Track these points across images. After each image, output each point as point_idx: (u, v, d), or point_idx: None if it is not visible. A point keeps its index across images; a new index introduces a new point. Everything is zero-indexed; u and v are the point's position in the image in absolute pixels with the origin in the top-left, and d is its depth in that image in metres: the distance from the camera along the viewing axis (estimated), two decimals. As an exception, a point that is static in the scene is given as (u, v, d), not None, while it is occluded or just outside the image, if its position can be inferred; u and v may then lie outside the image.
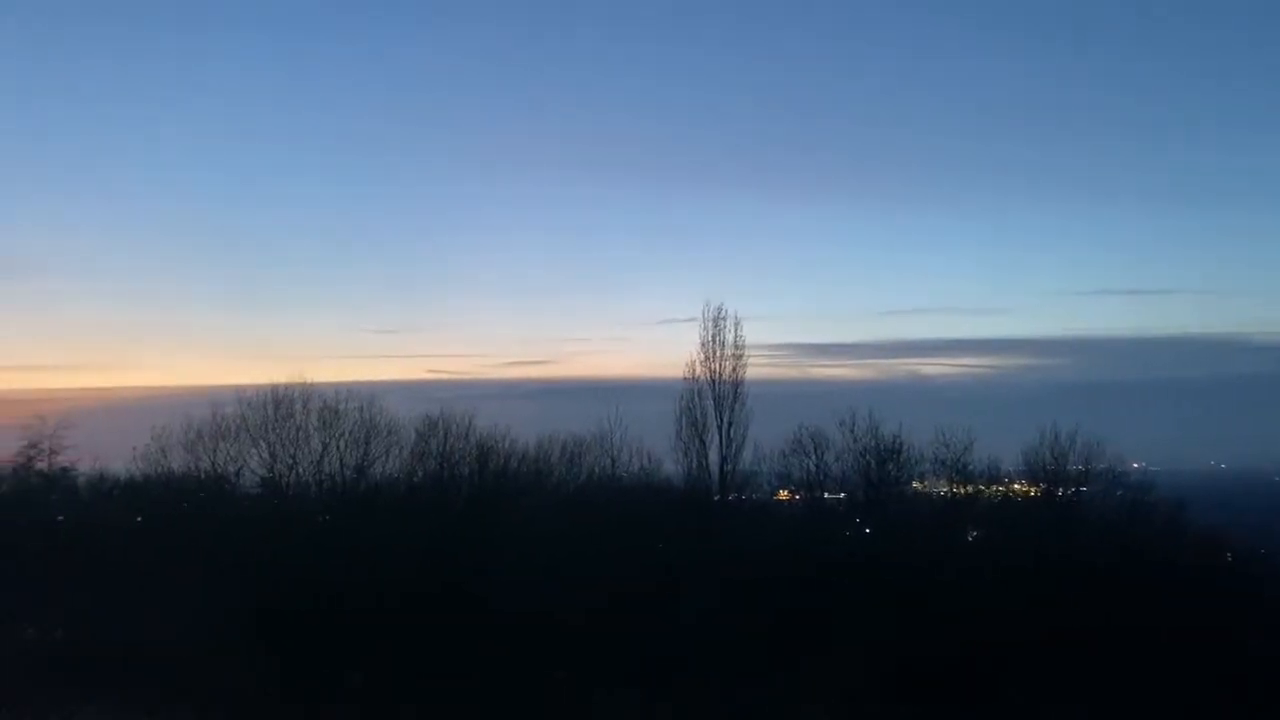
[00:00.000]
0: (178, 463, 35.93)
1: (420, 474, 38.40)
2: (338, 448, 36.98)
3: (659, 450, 39.67)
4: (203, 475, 36.00)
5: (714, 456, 37.89)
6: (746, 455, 38.28)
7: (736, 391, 38.36)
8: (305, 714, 29.48)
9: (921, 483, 38.90)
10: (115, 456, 37.92)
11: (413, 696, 29.20)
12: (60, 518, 35.92)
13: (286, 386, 36.93)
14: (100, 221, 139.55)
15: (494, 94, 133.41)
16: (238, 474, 36.39)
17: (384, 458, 37.80)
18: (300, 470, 36.66)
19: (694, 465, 37.92)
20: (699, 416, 38.04)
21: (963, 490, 37.68)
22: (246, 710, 28.93)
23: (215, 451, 35.83)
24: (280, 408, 36.48)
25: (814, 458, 36.65)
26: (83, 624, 31.25)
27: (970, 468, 36.89)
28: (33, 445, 33.79)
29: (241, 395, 36.74)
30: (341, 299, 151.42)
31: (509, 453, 39.08)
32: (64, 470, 34.47)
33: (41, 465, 33.90)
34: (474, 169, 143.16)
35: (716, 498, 38.32)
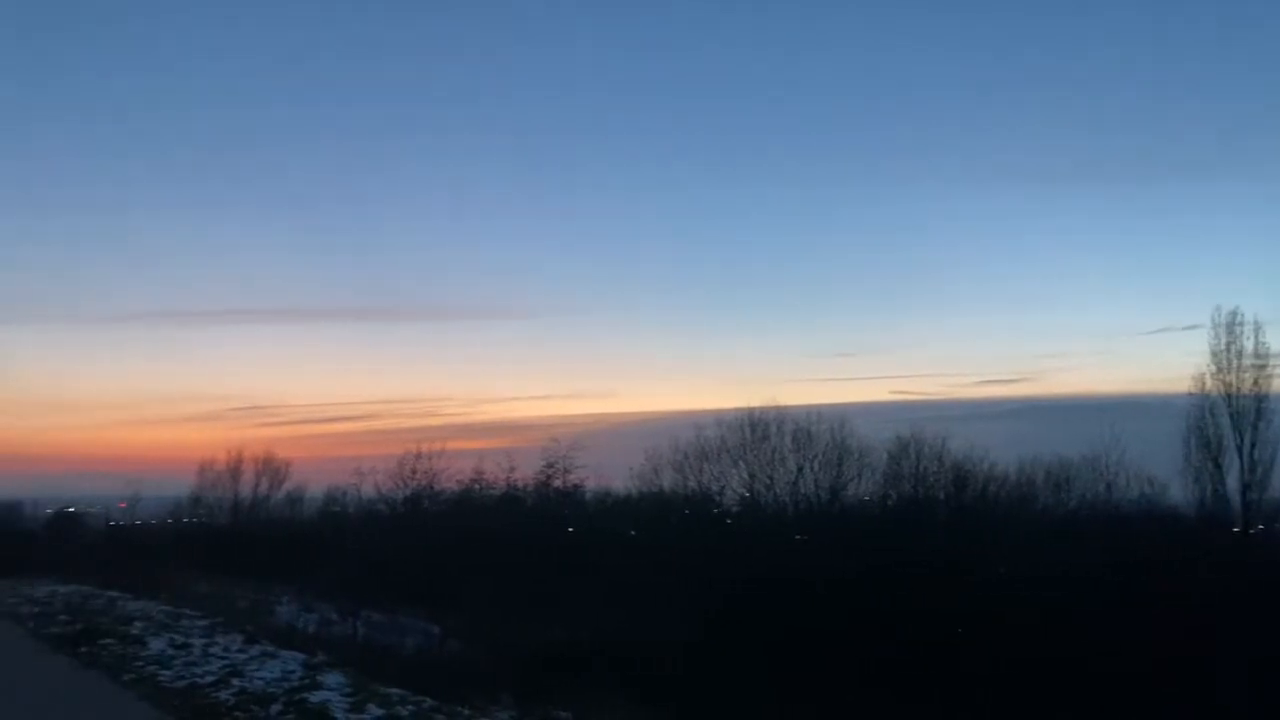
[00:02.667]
0: (667, 481, 39.11)
1: (894, 497, 37.89)
2: (811, 469, 37.92)
3: (1160, 475, 35.61)
4: (689, 492, 38.60)
5: (1233, 483, 33.08)
6: (1275, 481, 33.01)
7: (1259, 407, 33.11)
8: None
9: None
10: (614, 475, 42.08)
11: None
12: (570, 529, 40.21)
13: (761, 410, 38.70)
14: (596, 266, 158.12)
15: (961, 107, 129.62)
16: (720, 492, 38.60)
17: (856, 479, 38.09)
18: (777, 490, 37.99)
19: (1207, 493, 33.29)
20: (1212, 437, 33.35)
21: None
22: (723, 711, 29.98)
23: (700, 471, 38.44)
24: (756, 430, 38.28)
25: (1369, 484, 30.54)
26: (589, 626, 34.37)
27: None
28: (550, 465, 37.67)
29: (721, 418, 39.20)
30: (803, 323, 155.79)
31: (987, 476, 37.44)
32: (575, 487, 38.27)
33: (557, 483, 37.72)
34: (935, 185, 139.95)
35: (1237, 530, 33.34)
